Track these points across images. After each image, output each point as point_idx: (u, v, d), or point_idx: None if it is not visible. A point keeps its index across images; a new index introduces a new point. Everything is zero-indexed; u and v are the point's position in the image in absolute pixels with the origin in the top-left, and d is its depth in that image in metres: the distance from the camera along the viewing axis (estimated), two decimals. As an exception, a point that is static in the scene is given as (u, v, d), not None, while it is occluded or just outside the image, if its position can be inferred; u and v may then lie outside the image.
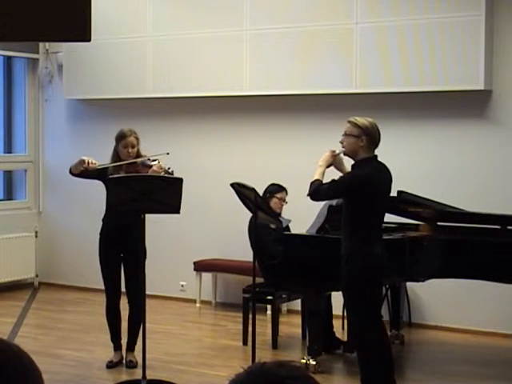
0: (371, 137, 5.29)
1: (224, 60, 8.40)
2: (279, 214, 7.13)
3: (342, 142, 5.38)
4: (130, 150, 6.32)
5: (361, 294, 5.30)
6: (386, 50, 7.61)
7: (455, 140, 7.64)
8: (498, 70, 7.43)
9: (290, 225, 7.09)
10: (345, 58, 7.77)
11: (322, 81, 7.92)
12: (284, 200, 7.13)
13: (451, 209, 6.64)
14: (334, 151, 5.47)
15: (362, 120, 5.33)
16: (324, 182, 5.39)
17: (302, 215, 7.11)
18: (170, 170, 6.13)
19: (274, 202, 7.08)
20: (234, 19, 8.32)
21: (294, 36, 8.04)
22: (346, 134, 5.35)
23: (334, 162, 5.48)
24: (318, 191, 5.34)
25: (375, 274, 5.31)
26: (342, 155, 5.50)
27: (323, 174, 5.40)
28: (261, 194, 6.97)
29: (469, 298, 7.54)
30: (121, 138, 6.36)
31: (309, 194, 5.42)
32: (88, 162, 6.22)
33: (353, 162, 5.40)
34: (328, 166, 5.47)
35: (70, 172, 6.40)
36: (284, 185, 7.29)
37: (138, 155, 6.37)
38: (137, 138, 6.38)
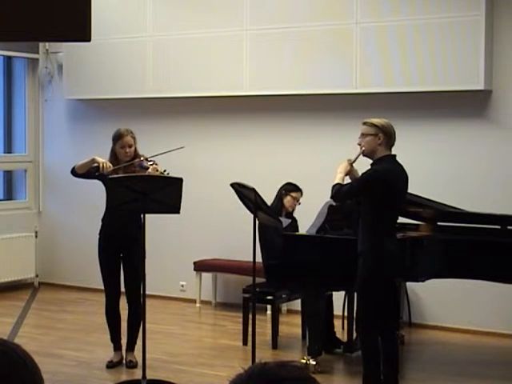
0: (387, 134, 5.43)
1: (224, 60, 8.40)
2: (291, 213, 7.15)
3: (359, 144, 5.47)
4: (128, 150, 6.31)
5: (374, 291, 5.33)
6: (386, 50, 7.60)
7: (455, 140, 7.64)
8: (498, 70, 7.42)
9: (298, 224, 7.10)
10: (345, 58, 7.77)
11: (322, 81, 7.92)
12: (298, 200, 7.15)
13: (451, 209, 6.64)
14: (349, 160, 5.57)
15: (376, 119, 5.50)
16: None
17: (302, 215, 7.11)
18: (165, 173, 6.10)
19: (287, 200, 7.10)
20: (234, 19, 8.32)
21: (294, 36, 8.04)
22: (362, 135, 5.47)
23: (351, 170, 5.57)
24: (339, 192, 5.48)
25: (390, 273, 5.38)
26: (355, 164, 5.62)
27: (343, 179, 5.55)
28: (267, 190, 7.00)
29: (469, 298, 7.53)
30: (118, 138, 6.35)
31: (331, 196, 5.58)
32: (103, 167, 6.16)
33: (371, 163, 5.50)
34: (346, 174, 5.60)
35: (73, 171, 6.35)
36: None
37: (136, 155, 6.36)
38: (133, 138, 6.37)
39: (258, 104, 8.49)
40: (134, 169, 6.27)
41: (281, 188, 7.16)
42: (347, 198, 5.73)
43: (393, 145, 5.49)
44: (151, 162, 6.18)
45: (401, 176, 5.47)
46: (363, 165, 5.60)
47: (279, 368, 1.43)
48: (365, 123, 5.51)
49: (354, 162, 5.59)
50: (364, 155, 5.49)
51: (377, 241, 5.35)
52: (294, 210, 7.18)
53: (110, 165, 6.20)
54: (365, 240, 5.40)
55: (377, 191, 5.36)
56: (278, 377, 1.42)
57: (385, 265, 5.33)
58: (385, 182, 5.36)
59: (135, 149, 6.37)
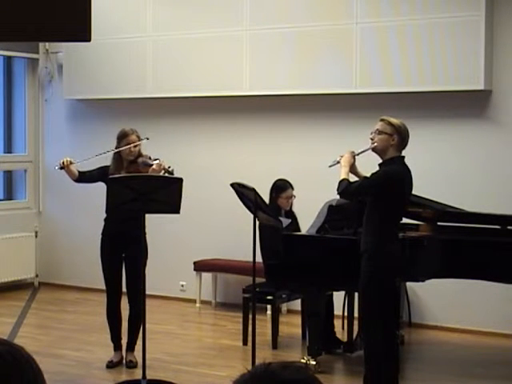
0: (402, 137, 5.42)
1: (224, 60, 8.40)
2: (290, 210, 7.12)
3: (372, 139, 5.44)
4: (132, 149, 6.33)
5: (378, 290, 5.32)
6: (386, 50, 7.60)
7: (455, 140, 7.64)
8: (498, 70, 7.42)
9: (299, 221, 7.08)
10: (345, 58, 7.77)
11: (322, 81, 7.92)
12: (291, 197, 7.10)
13: (451, 209, 6.64)
14: (353, 152, 5.53)
15: (394, 120, 5.47)
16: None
17: (302, 214, 7.11)
18: (170, 169, 6.13)
19: (280, 202, 7.07)
20: (234, 19, 8.32)
21: (294, 36, 8.03)
22: (378, 131, 5.43)
23: (353, 163, 5.54)
24: (348, 189, 5.44)
25: (394, 273, 5.40)
26: (356, 157, 5.57)
27: (348, 173, 5.49)
28: (268, 190, 6.97)
29: (469, 298, 7.53)
30: (123, 136, 6.37)
31: (339, 193, 5.51)
32: (64, 162, 6.30)
33: (378, 161, 5.47)
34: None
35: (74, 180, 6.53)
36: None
37: (139, 155, 6.37)
38: (138, 137, 6.39)
39: (258, 104, 8.48)
40: (137, 167, 6.28)
41: (271, 190, 7.07)
42: (356, 196, 5.70)
43: (404, 148, 5.47)
44: (157, 161, 6.20)
45: (408, 178, 5.47)
46: (367, 161, 5.58)
47: (283, 369, 1.43)
48: (382, 120, 5.47)
49: (358, 155, 5.55)
50: (374, 151, 5.47)
51: (381, 241, 5.34)
52: (291, 206, 7.15)
53: (70, 159, 6.32)
54: (369, 240, 5.39)
55: (386, 192, 5.34)
56: (282, 378, 1.41)
57: (389, 265, 5.33)
58: (395, 184, 5.35)
59: (139, 149, 6.37)
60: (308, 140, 8.27)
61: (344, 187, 5.43)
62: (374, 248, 5.35)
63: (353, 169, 5.57)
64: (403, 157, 5.48)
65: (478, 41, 7.24)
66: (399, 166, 5.42)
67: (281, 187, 7.09)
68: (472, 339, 7.39)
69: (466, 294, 7.50)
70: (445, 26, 7.35)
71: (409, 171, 5.47)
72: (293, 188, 7.12)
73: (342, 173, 5.49)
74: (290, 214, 7.05)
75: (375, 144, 5.43)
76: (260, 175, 8.03)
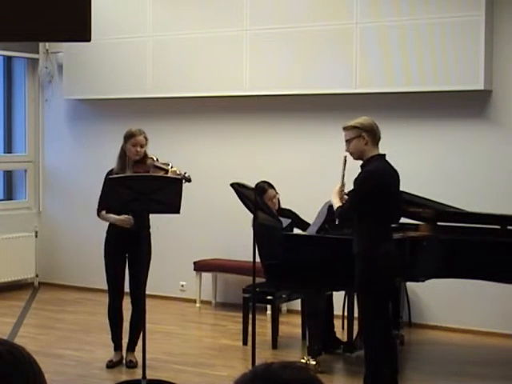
0: (371, 131, 5.38)
1: (224, 60, 8.40)
2: (280, 208, 7.07)
3: (347, 151, 5.41)
4: (139, 149, 6.31)
5: (374, 292, 5.32)
6: (387, 50, 7.60)
7: (455, 140, 7.64)
8: (498, 70, 7.43)
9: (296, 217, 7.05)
10: (345, 58, 7.77)
11: (322, 81, 7.92)
12: (274, 197, 7.01)
13: (451, 209, 6.65)
14: (339, 184, 5.50)
15: (355, 120, 5.45)
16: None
17: (302, 215, 7.10)
18: (186, 175, 6.09)
19: (270, 204, 7.02)
20: (234, 19, 8.32)
21: (294, 36, 8.04)
22: (347, 141, 5.40)
23: (343, 194, 5.51)
24: (342, 211, 5.44)
25: (388, 273, 5.37)
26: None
27: (339, 201, 5.48)
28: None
29: (469, 298, 7.53)
30: (130, 136, 6.35)
31: (337, 219, 5.55)
32: (128, 223, 6.27)
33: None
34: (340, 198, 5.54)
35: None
36: (283, 184, 7.26)
37: (145, 155, 6.35)
38: (146, 138, 6.37)
39: (258, 104, 8.48)
40: (145, 168, 6.26)
41: (258, 200, 6.90)
42: (351, 211, 5.63)
43: (379, 140, 5.43)
44: (169, 166, 6.18)
45: (393, 175, 5.43)
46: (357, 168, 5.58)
47: (284, 369, 1.43)
48: (345, 128, 5.46)
49: (343, 180, 5.48)
50: (355, 159, 5.45)
51: (374, 242, 5.32)
52: (279, 204, 7.06)
53: (126, 218, 6.25)
54: (361, 242, 5.36)
55: (371, 192, 5.32)
56: (283, 378, 1.41)
57: (383, 265, 5.31)
58: (378, 183, 5.32)
59: (145, 150, 6.36)
60: (308, 140, 8.27)
61: (338, 212, 5.45)
62: (366, 250, 5.33)
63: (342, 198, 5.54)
64: (383, 155, 5.43)
65: (478, 41, 7.24)
66: (380, 164, 5.36)
67: (260, 191, 6.88)
68: (472, 339, 7.39)
69: (466, 294, 7.50)
70: (445, 26, 7.35)
71: (392, 168, 5.43)
72: (273, 187, 7.03)
73: (334, 204, 5.48)
74: (283, 213, 6.98)
75: (350, 152, 5.40)
76: (260, 175, 8.02)
